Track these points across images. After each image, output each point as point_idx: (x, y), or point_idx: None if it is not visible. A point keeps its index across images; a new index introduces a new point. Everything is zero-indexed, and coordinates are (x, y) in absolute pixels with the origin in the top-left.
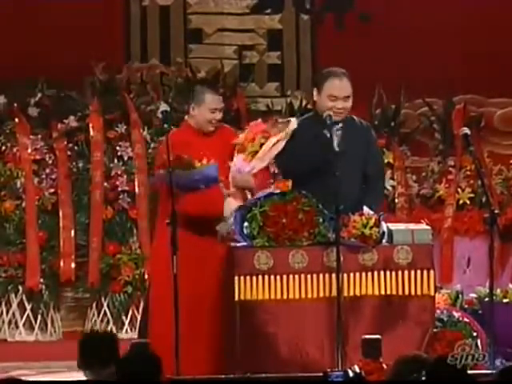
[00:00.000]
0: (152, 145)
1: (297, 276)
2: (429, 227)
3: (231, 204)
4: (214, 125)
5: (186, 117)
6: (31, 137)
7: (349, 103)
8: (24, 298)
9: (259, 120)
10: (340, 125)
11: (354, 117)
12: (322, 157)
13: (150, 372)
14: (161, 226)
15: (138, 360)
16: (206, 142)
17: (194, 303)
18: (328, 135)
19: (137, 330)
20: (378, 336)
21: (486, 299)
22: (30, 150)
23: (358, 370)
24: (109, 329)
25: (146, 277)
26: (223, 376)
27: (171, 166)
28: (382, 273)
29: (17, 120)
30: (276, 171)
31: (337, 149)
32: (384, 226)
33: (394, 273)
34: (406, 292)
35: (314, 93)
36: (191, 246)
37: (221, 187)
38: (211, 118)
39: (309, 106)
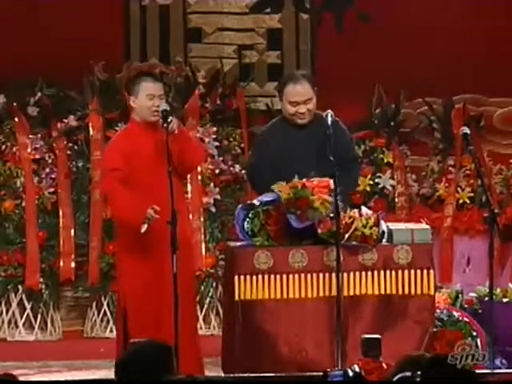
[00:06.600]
0: None
1: (297, 275)
2: (428, 227)
3: None
4: (155, 114)
5: (132, 114)
6: (31, 136)
7: (311, 105)
8: (24, 297)
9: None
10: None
11: (320, 114)
12: (293, 159)
13: (157, 367)
14: (121, 232)
15: (140, 359)
16: (153, 137)
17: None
18: (296, 137)
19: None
20: (377, 335)
21: (486, 299)
22: (29, 150)
23: (357, 370)
24: (108, 328)
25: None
26: (223, 375)
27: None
28: (381, 272)
29: (16, 119)
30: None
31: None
32: (384, 225)
33: (393, 272)
34: (406, 291)
35: (278, 98)
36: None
37: None
38: (150, 105)
39: None
